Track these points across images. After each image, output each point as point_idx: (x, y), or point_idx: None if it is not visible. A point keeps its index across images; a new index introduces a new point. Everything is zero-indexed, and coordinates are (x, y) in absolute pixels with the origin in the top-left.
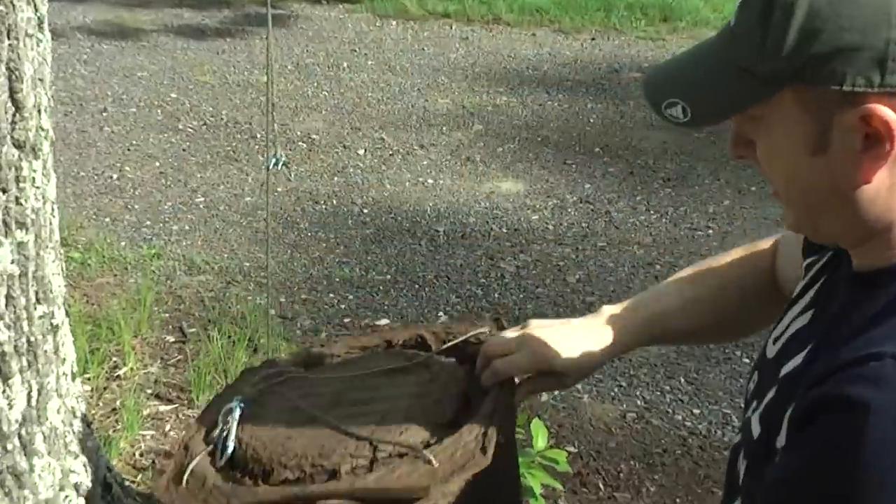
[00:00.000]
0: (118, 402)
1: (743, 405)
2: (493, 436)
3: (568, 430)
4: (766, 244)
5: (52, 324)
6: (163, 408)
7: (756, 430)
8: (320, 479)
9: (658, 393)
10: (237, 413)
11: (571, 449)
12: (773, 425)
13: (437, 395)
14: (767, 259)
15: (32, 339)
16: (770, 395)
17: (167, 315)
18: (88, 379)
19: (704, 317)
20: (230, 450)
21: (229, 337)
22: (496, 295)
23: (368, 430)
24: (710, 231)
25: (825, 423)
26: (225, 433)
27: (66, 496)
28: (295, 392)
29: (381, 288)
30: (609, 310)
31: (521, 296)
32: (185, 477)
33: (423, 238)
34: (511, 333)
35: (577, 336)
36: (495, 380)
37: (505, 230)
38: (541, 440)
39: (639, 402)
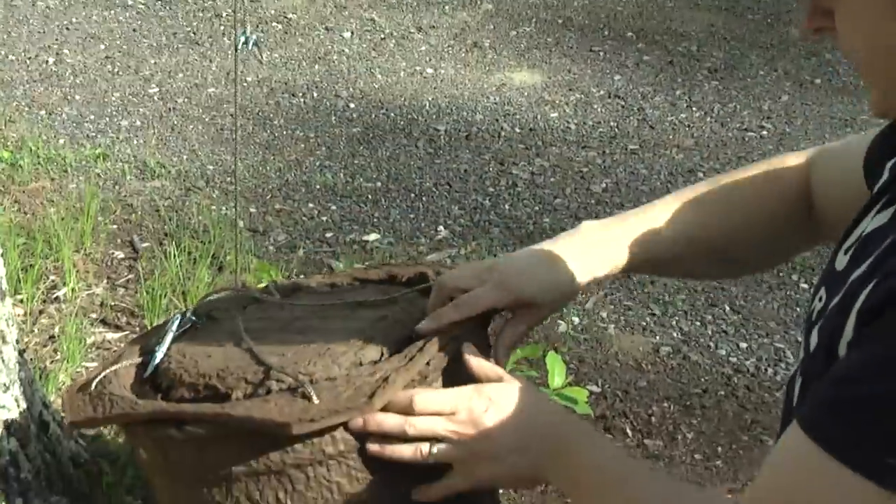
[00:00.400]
0: (57, 329)
1: (802, 333)
2: (395, 382)
3: (590, 367)
4: (795, 160)
5: None
6: (110, 335)
7: (814, 342)
8: (211, 400)
9: (698, 323)
10: (174, 325)
11: (594, 388)
12: (835, 329)
13: (388, 331)
14: (799, 178)
15: None
16: (835, 301)
17: (115, 227)
18: (21, 301)
19: (706, 247)
20: (155, 362)
21: (189, 253)
22: (507, 206)
23: (288, 360)
24: (765, 132)
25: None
26: (157, 345)
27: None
28: (253, 314)
29: (369, 197)
30: (590, 227)
31: (537, 207)
32: (94, 383)
33: (421, 139)
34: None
35: (549, 260)
36: (453, 318)
37: (518, 130)
38: (557, 377)
39: (675, 335)
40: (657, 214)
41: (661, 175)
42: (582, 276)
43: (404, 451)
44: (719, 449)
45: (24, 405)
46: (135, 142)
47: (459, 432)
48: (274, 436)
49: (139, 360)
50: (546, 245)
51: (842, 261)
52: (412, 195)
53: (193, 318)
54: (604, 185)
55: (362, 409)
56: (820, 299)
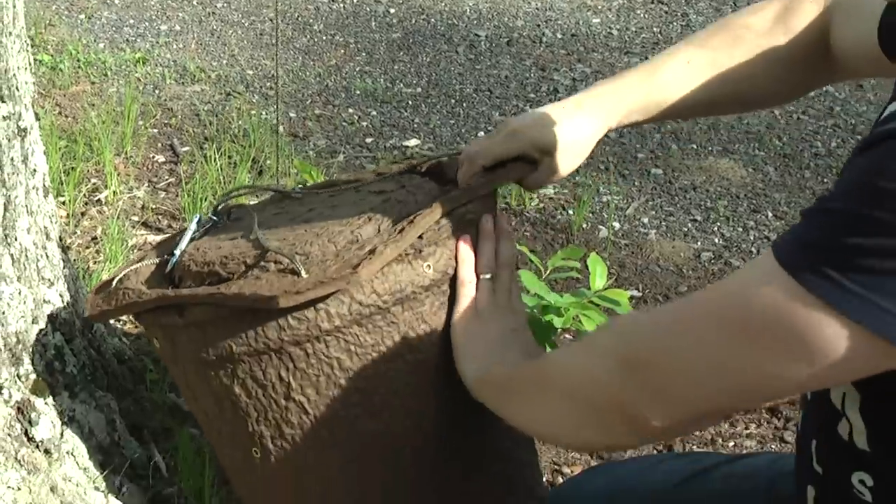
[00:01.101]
0: (99, 231)
1: None
2: (383, 254)
3: (631, 272)
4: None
5: (18, 126)
6: (151, 237)
7: None
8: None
9: (740, 229)
10: (193, 224)
11: (635, 293)
12: None
13: (388, 209)
14: (818, 20)
15: None
16: None
17: (155, 131)
18: (63, 203)
19: (716, 89)
20: (174, 259)
21: (229, 157)
22: None
23: (287, 243)
24: None
25: (884, 148)
26: (177, 243)
27: (41, 329)
28: (270, 211)
29: (409, 103)
30: (602, 81)
31: None
32: (115, 282)
33: (461, 44)
34: None
35: (562, 112)
36: (465, 170)
37: (559, 36)
38: (599, 278)
39: (716, 240)
40: (670, 61)
41: None
42: (595, 127)
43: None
44: None
45: (69, 300)
46: (174, 46)
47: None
48: (267, 311)
49: (160, 259)
50: (559, 102)
51: None
52: (452, 101)
53: (213, 217)
54: None
55: (348, 279)
56: None
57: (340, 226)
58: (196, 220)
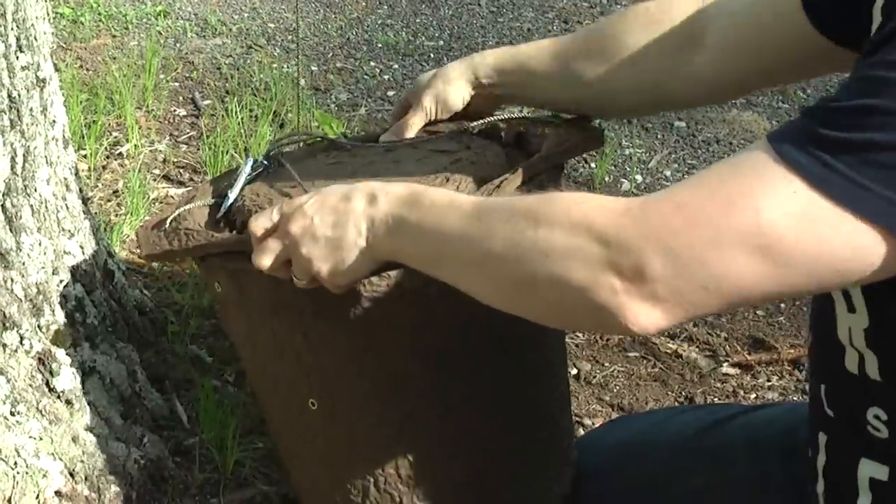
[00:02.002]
0: (120, 184)
1: None
2: (507, 189)
3: None
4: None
5: (37, 76)
6: (173, 191)
7: None
8: None
9: None
10: (247, 167)
11: None
12: None
13: (464, 171)
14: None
15: (15, 93)
16: None
17: (177, 84)
18: (85, 157)
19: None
20: (229, 202)
21: (251, 111)
22: None
23: None
24: None
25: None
26: (229, 188)
27: (61, 280)
28: (324, 160)
29: (431, 56)
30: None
31: None
32: (169, 220)
33: None
34: None
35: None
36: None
37: None
38: None
39: None
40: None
41: None
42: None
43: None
44: (782, 305)
45: (89, 252)
46: None
47: (285, 232)
48: None
49: (212, 201)
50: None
51: None
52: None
53: (266, 161)
54: None
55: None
56: None
57: (417, 181)
58: (250, 162)
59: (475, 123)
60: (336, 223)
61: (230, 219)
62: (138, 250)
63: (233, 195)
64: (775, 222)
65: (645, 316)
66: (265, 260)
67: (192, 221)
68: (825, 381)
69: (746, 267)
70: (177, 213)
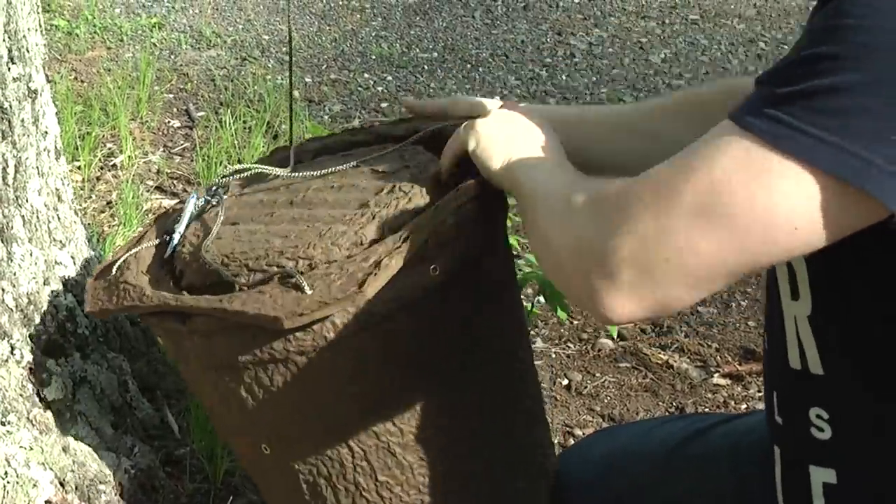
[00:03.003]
0: (114, 195)
1: None
2: (389, 267)
3: None
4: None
5: (29, 88)
6: (166, 202)
7: None
8: (217, 287)
9: None
10: (191, 204)
11: None
12: None
13: (392, 203)
14: None
15: (6, 104)
16: None
17: (171, 96)
18: (79, 168)
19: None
20: (173, 243)
21: (244, 122)
22: (564, 77)
23: (290, 241)
24: None
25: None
26: (175, 224)
27: (53, 291)
28: (269, 185)
29: (425, 67)
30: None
31: (594, 78)
32: (115, 268)
33: (478, 8)
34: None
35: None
36: (444, 161)
37: (576, 0)
38: None
39: None
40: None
41: (722, 45)
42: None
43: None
44: None
45: (80, 262)
46: (190, 11)
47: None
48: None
49: (159, 241)
50: None
51: None
52: (468, 66)
53: (208, 196)
54: (662, 55)
55: (353, 298)
56: None
57: (344, 224)
58: (192, 199)
59: (417, 135)
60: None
61: (173, 263)
62: None
63: (177, 236)
64: (727, 181)
65: (617, 304)
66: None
67: (135, 271)
68: (776, 386)
69: (704, 234)
70: (122, 259)
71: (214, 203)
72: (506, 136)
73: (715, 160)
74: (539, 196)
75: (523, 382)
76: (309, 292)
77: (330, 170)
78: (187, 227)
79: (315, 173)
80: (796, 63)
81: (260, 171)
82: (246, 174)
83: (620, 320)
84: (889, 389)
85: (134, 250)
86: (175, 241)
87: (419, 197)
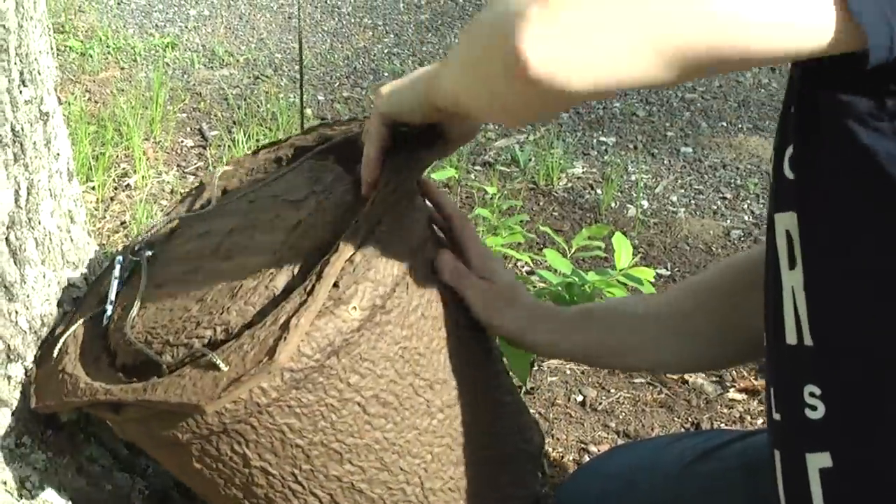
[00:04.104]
0: (128, 215)
1: None
2: (298, 327)
3: (660, 250)
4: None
5: (41, 110)
6: None
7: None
8: (145, 367)
9: None
10: (117, 271)
11: (663, 271)
12: None
13: (300, 244)
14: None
15: (18, 127)
16: None
17: (184, 115)
18: (93, 188)
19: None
20: (107, 314)
21: (257, 140)
22: None
23: (206, 306)
24: None
25: None
26: (106, 292)
27: (65, 312)
28: (193, 230)
29: None
30: None
31: None
32: (56, 351)
33: None
34: None
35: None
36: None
37: None
38: (624, 257)
39: (746, 218)
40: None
41: None
42: None
43: None
44: None
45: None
46: (203, 31)
47: None
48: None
49: (93, 313)
50: None
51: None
52: None
53: (133, 257)
54: None
55: (267, 368)
56: None
57: (254, 278)
58: (119, 265)
59: (326, 144)
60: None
61: (107, 342)
62: None
63: (109, 308)
64: None
65: (542, 47)
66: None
67: (74, 354)
68: (773, 380)
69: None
70: (63, 338)
71: (143, 267)
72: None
73: None
74: (461, 52)
75: (485, 380)
76: (224, 369)
77: (249, 206)
78: (118, 294)
79: (234, 208)
80: None
81: (182, 217)
82: (172, 223)
83: (552, 79)
84: (880, 356)
85: (70, 329)
86: (108, 313)
87: (324, 231)
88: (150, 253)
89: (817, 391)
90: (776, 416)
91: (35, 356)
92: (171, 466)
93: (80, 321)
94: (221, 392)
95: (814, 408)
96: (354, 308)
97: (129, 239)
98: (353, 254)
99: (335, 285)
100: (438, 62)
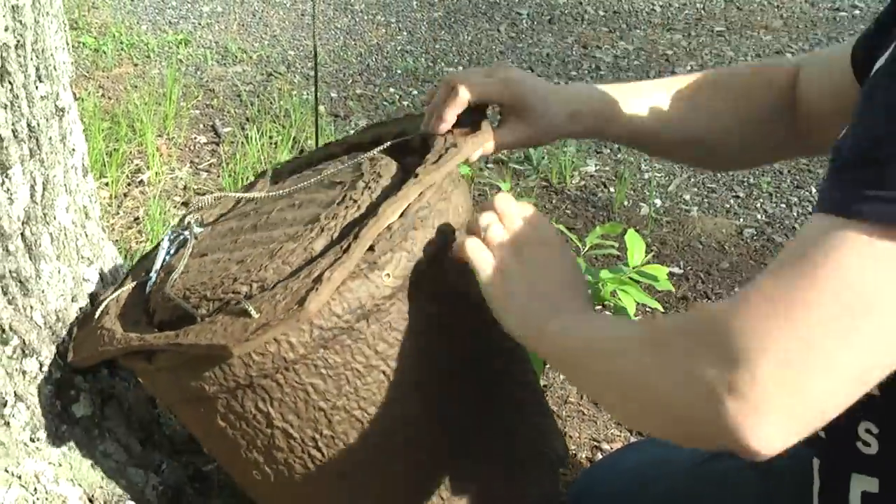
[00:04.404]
0: (141, 211)
1: None
2: (332, 279)
3: (672, 248)
4: (787, 63)
5: (56, 106)
6: None
7: None
8: (182, 321)
9: (783, 206)
10: (165, 241)
11: (676, 270)
12: None
13: (342, 213)
14: (787, 79)
15: (34, 123)
16: None
17: (197, 112)
18: (107, 184)
19: (685, 131)
20: (150, 282)
21: (270, 137)
22: None
23: (245, 267)
24: (857, 11)
25: None
26: (152, 264)
27: (80, 308)
28: (239, 210)
29: None
30: (585, 85)
31: None
32: (98, 313)
33: (503, 22)
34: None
35: (554, 90)
36: (446, 110)
37: (601, 13)
38: (637, 254)
39: (759, 217)
40: (647, 91)
41: (748, 57)
42: (573, 121)
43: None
44: None
45: (108, 280)
46: (216, 27)
47: (522, 235)
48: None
49: (138, 281)
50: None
51: None
52: None
53: (182, 231)
54: (689, 67)
55: (296, 316)
56: None
57: (294, 241)
58: (167, 237)
59: (383, 146)
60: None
61: (148, 306)
62: None
63: (153, 275)
64: (860, 277)
65: (773, 433)
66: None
67: (113, 315)
68: None
69: (852, 335)
70: (102, 306)
71: (190, 237)
72: (524, 280)
73: (839, 259)
74: (596, 343)
75: (509, 374)
76: (255, 316)
77: (294, 187)
78: (163, 264)
79: (279, 193)
80: (886, 139)
81: (232, 197)
82: (218, 204)
83: (778, 449)
84: None
85: (114, 294)
86: (151, 280)
87: (368, 204)
88: (199, 230)
89: (874, 430)
90: (821, 434)
91: (76, 318)
92: (196, 426)
93: (125, 287)
94: (250, 335)
95: (868, 444)
96: (388, 275)
97: (143, 235)
98: (393, 222)
99: (371, 249)
100: (559, 316)
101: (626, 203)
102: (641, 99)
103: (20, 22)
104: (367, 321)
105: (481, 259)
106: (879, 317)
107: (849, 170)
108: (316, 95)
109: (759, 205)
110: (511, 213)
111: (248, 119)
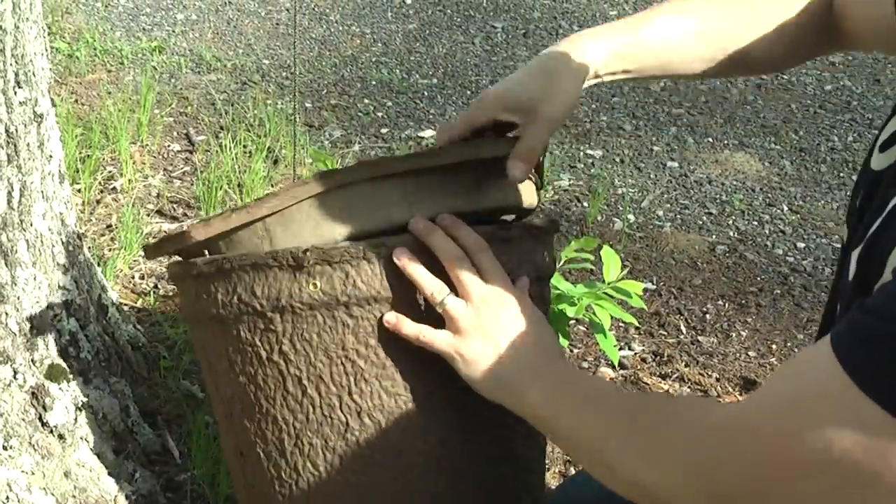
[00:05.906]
0: (114, 218)
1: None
2: (230, 219)
3: (645, 264)
4: None
5: (35, 112)
6: (166, 226)
7: (852, 270)
8: None
9: (755, 223)
10: None
11: (649, 285)
12: (871, 267)
13: None
14: None
15: (12, 128)
16: (875, 225)
17: (171, 119)
18: (79, 191)
19: (717, 38)
20: None
21: (245, 146)
22: None
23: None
24: None
25: None
26: None
27: (55, 315)
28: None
29: (425, 94)
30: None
31: (594, 106)
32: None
33: (478, 35)
34: None
35: (547, 65)
36: (446, 137)
37: (576, 27)
38: (612, 270)
39: (731, 234)
40: (667, 8)
41: None
42: (583, 74)
43: (425, 282)
44: (773, 346)
45: (83, 287)
46: (191, 35)
47: (480, 300)
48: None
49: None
50: (546, 51)
51: (879, 160)
52: (468, 92)
53: None
54: (662, 84)
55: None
56: (858, 200)
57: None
58: None
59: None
60: (515, 346)
61: None
62: (131, 285)
63: None
64: (850, 452)
65: None
66: (449, 256)
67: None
68: None
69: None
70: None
71: None
72: (490, 345)
73: (832, 425)
74: (584, 426)
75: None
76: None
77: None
78: None
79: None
80: None
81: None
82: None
83: None
84: None
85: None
86: None
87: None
88: None
89: None
90: None
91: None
92: (216, 360)
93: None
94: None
95: None
96: (315, 285)
97: (116, 242)
98: (344, 244)
99: (306, 252)
100: (537, 383)
101: (599, 218)
102: (655, 23)
103: (0, 28)
104: (282, 317)
105: (437, 340)
106: (881, 481)
107: (881, 344)
108: (294, 106)
109: (731, 222)
110: (456, 262)
111: (222, 128)
